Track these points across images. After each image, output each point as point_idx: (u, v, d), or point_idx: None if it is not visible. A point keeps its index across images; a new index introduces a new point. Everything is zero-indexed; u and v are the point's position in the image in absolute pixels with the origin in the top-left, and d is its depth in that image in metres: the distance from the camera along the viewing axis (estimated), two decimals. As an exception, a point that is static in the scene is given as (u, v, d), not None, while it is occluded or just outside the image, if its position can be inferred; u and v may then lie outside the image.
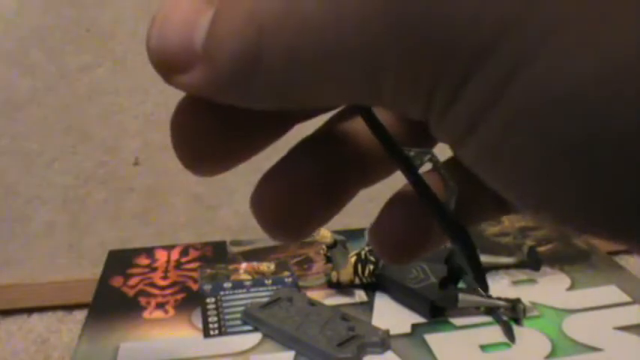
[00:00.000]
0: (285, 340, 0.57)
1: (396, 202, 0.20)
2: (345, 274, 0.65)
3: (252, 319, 0.60)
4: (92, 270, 0.90)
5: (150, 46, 0.16)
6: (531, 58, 0.12)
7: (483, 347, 0.56)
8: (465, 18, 0.12)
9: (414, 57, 0.13)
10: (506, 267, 0.69)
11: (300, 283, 0.67)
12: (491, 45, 0.12)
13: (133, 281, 0.68)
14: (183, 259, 0.73)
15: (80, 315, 0.90)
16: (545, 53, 0.12)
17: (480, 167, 0.14)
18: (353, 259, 0.65)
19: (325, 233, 0.64)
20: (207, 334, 0.59)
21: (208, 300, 0.64)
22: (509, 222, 0.80)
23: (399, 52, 0.13)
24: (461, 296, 0.59)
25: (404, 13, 0.13)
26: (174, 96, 0.17)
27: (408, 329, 0.59)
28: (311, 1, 0.14)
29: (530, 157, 0.13)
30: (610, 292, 0.63)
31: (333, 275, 0.65)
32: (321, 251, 0.67)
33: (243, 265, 0.71)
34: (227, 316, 0.61)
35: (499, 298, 0.60)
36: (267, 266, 0.71)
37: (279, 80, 0.15)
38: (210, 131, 0.17)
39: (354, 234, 0.73)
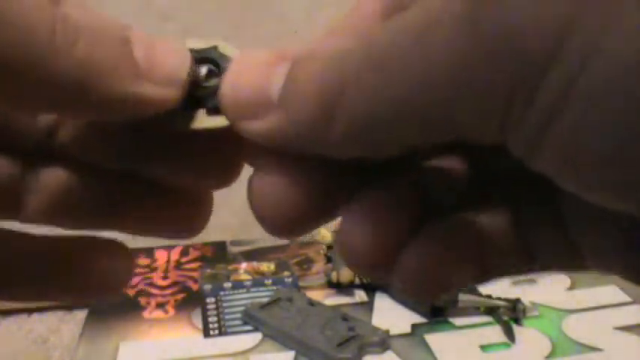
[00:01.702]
0: (285, 340, 0.57)
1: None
2: (345, 274, 0.65)
3: (252, 319, 0.60)
4: (92, 270, 0.90)
5: (224, 92, 0.17)
6: (595, 50, 0.13)
7: (483, 347, 0.56)
8: (530, 26, 0.13)
9: (490, 72, 0.14)
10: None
11: (300, 283, 0.67)
12: (557, 45, 0.13)
13: (133, 281, 0.68)
14: (184, 259, 0.73)
15: (80, 315, 0.90)
16: (606, 42, 0.13)
17: (560, 171, 0.15)
18: (353, 259, 0.65)
19: (325, 233, 0.64)
20: (207, 334, 0.59)
21: (208, 300, 0.64)
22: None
23: (477, 73, 0.14)
24: (461, 296, 0.59)
25: (480, 40, 0.14)
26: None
27: (408, 329, 0.59)
28: (393, 42, 0.15)
29: (607, 143, 0.13)
30: (610, 292, 0.63)
31: (333, 275, 0.65)
32: (321, 251, 0.67)
33: (243, 265, 0.71)
34: (227, 316, 0.61)
35: (499, 298, 0.60)
36: (267, 266, 0.71)
37: (360, 122, 0.15)
38: (288, 201, 0.18)
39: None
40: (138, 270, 0.71)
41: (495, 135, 0.15)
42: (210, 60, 0.20)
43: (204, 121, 0.19)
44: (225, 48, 0.20)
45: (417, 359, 0.55)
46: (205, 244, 0.76)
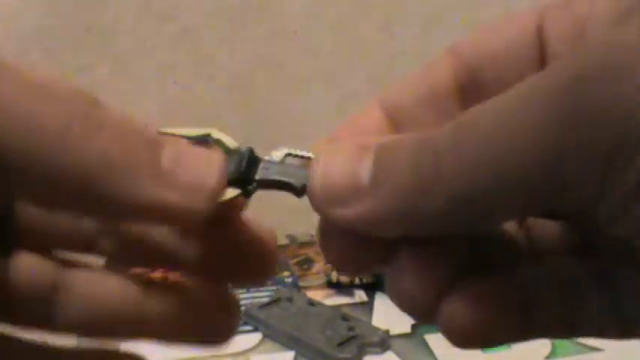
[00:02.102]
0: (285, 340, 0.57)
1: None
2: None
3: (252, 319, 0.60)
4: (92, 270, 0.90)
5: (313, 182, 0.18)
6: None
7: (483, 347, 0.56)
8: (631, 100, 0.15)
9: (592, 137, 0.15)
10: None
11: (300, 283, 0.67)
12: None
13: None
14: (183, 259, 0.73)
15: (80, 315, 0.90)
16: None
17: None
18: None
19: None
20: (207, 334, 0.59)
21: (208, 300, 0.64)
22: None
23: (579, 138, 0.15)
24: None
25: (579, 109, 0.15)
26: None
27: (408, 329, 0.59)
28: (493, 116, 0.16)
29: None
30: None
31: (333, 275, 0.65)
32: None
33: (243, 265, 0.71)
34: (227, 316, 0.61)
35: (499, 298, 0.60)
36: (267, 266, 0.71)
37: (460, 196, 0.16)
38: (356, 247, 0.19)
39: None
40: (138, 270, 0.71)
41: (591, 197, 0.16)
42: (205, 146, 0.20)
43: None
44: (219, 134, 0.21)
45: (417, 359, 0.55)
46: (205, 244, 0.76)
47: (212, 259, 0.21)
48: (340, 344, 0.54)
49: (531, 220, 0.21)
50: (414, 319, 0.20)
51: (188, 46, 0.85)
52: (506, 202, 0.17)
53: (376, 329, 0.57)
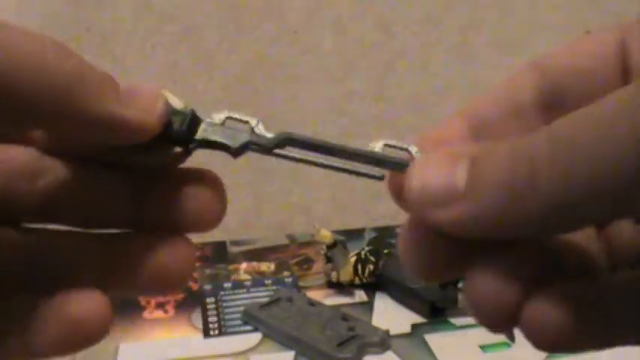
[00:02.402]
0: (285, 340, 0.57)
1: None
2: (345, 274, 0.65)
3: (252, 319, 0.60)
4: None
5: (411, 184, 0.19)
6: None
7: (483, 347, 0.56)
8: None
9: None
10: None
11: (300, 283, 0.67)
12: None
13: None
14: (183, 259, 0.73)
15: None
16: None
17: None
18: (353, 259, 0.65)
19: (325, 233, 0.64)
20: (207, 334, 0.59)
21: (208, 300, 0.64)
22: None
23: None
24: (461, 296, 0.59)
25: None
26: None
27: (408, 329, 0.59)
28: (584, 130, 0.17)
29: None
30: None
31: (333, 275, 0.65)
32: (321, 251, 0.67)
33: (243, 265, 0.71)
34: (227, 316, 0.61)
35: (499, 298, 0.60)
36: (267, 266, 0.71)
37: (553, 203, 0.17)
38: (441, 250, 0.20)
39: (354, 234, 0.73)
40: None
41: None
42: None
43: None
44: (167, 94, 0.22)
45: (417, 359, 0.55)
46: (205, 244, 0.76)
47: (163, 210, 0.22)
48: (340, 344, 0.54)
49: (612, 231, 0.22)
50: (494, 325, 0.20)
51: (188, 46, 0.85)
52: (598, 209, 0.17)
53: (376, 329, 0.57)
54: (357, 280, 0.65)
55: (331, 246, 0.65)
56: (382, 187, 0.25)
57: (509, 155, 0.18)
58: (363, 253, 0.66)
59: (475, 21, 0.88)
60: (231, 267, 0.71)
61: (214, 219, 0.23)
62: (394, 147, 0.22)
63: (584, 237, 0.21)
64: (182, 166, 0.23)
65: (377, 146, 0.22)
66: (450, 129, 0.23)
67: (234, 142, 0.22)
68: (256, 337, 0.58)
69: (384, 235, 0.74)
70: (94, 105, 0.19)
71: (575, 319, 0.19)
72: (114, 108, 0.19)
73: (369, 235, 0.76)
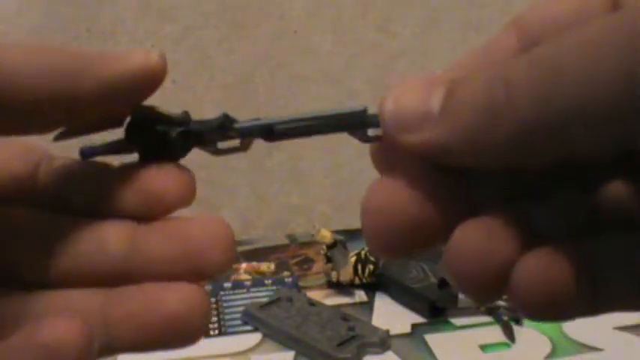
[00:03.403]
0: (285, 340, 0.57)
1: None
2: (345, 274, 0.65)
3: (252, 319, 0.60)
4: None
5: (385, 107, 0.19)
6: None
7: (483, 347, 0.56)
8: None
9: None
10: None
11: (300, 283, 0.67)
12: None
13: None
14: (183, 259, 0.73)
15: (80, 315, 0.90)
16: None
17: None
18: (353, 259, 0.65)
19: (325, 233, 0.64)
20: (207, 334, 0.59)
21: (208, 300, 0.64)
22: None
23: None
24: (461, 296, 0.59)
25: None
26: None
27: (408, 329, 0.59)
28: (565, 52, 0.16)
29: None
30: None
31: (333, 275, 0.65)
32: (321, 251, 0.67)
33: (243, 265, 0.71)
34: (227, 316, 0.61)
35: (499, 298, 0.60)
36: (267, 266, 0.71)
37: (527, 126, 0.17)
38: (408, 212, 0.19)
39: (354, 234, 0.73)
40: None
41: None
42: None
43: None
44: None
45: (417, 359, 0.55)
46: (205, 244, 0.76)
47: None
48: (340, 344, 0.54)
49: (601, 192, 0.21)
50: (480, 290, 0.19)
51: (188, 46, 0.85)
52: (577, 134, 0.17)
53: (376, 329, 0.57)
54: (357, 280, 0.65)
55: (331, 246, 0.65)
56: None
57: (486, 78, 0.18)
58: (363, 253, 0.66)
59: (475, 21, 0.88)
60: (231, 267, 0.71)
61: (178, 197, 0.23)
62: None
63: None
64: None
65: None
66: (497, 44, 0.22)
67: (222, 135, 0.22)
68: (256, 337, 0.58)
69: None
70: (100, 72, 0.20)
71: (566, 280, 0.18)
72: (116, 66, 0.20)
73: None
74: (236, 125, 0.22)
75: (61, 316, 0.19)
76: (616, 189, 0.21)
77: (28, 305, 0.21)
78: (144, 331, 0.20)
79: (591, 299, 0.19)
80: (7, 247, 0.21)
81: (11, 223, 0.22)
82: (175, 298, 0.20)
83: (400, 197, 0.19)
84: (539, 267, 0.18)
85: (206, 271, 0.21)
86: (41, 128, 0.22)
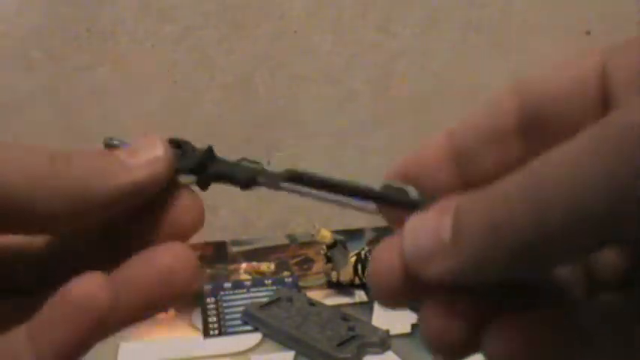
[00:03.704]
0: (285, 340, 0.57)
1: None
2: (345, 274, 0.65)
3: (252, 319, 0.60)
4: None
5: (406, 248, 0.21)
6: None
7: (483, 347, 0.56)
8: None
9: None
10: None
11: (300, 283, 0.67)
12: None
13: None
14: (183, 259, 0.73)
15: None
16: None
17: None
18: (353, 259, 0.65)
19: (325, 233, 0.64)
20: (207, 334, 0.59)
21: (208, 300, 0.64)
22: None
23: (631, 191, 0.17)
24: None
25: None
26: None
27: (408, 329, 0.59)
28: (553, 173, 0.18)
29: None
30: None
31: (333, 275, 0.65)
32: (321, 251, 0.67)
33: (243, 265, 0.71)
34: (227, 316, 0.61)
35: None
36: (267, 266, 0.71)
37: (526, 246, 0.18)
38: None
39: (354, 234, 0.73)
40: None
41: None
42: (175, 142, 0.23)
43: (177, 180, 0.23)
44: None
45: (417, 359, 0.55)
46: (205, 244, 0.76)
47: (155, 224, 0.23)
48: (340, 344, 0.54)
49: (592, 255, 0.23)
50: (449, 357, 0.21)
51: (188, 46, 0.85)
52: (573, 245, 0.18)
53: (376, 329, 0.57)
54: (357, 280, 0.65)
55: (331, 246, 0.65)
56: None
57: (487, 198, 0.19)
58: (363, 253, 0.66)
59: (475, 21, 0.88)
60: (231, 267, 0.71)
61: (194, 225, 0.24)
62: (393, 187, 0.23)
63: None
64: None
65: (377, 186, 0.23)
66: (431, 152, 0.23)
67: (243, 177, 0.24)
68: (256, 337, 0.58)
69: (383, 235, 0.74)
70: (104, 188, 0.21)
71: (533, 349, 0.20)
72: (124, 178, 0.21)
73: (369, 235, 0.76)
74: (282, 185, 0.24)
75: (82, 275, 0.20)
76: (606, 252, 0.22)
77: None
78: (144, 291, 0.22)
79: (576, 357, 0.20)
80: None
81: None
82: (167, 255, 0.22)
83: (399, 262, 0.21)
84: (500, 340, 0.20)
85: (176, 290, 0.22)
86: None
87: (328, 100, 0.88)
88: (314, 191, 0.24)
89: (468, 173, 0.23)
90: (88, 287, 0.20)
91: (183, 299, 0.23)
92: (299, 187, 0.23)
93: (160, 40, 0.84)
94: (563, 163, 0.18)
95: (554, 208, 0.18)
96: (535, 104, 0.22)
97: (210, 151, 0.24)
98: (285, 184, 0.23)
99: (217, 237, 0.77)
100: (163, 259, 0.22)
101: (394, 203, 0.23)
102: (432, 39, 0.87)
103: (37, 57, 0.85)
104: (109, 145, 0.23)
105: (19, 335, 0.20)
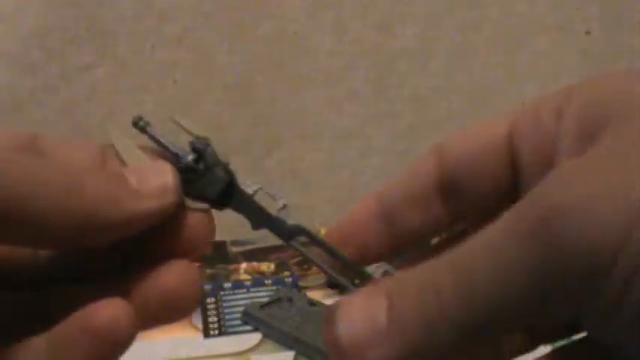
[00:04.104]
0: (285, 340, 0.57)
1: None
2: (345, 274, 0.65)
3: (252, 319, 0.60)
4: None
5: (340, 333, 0.21)
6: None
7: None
8: (592, 247, 0.18)
9: (564, 276, 0.18)
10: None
11: (300, 283, 0.67)
12: (613, 259, 0.18)
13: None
14: (183, 259, 0.73)
15: (80, 315, 0.90)
16: None
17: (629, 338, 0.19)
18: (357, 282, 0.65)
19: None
20: (207, 334, 0.59)
21: (208, 300, 0.64)
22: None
23: (556, 272, 0.18)
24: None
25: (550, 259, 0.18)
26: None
27: (408, 329, 0.59)
28: (479, 260, 0.19)
29: None
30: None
31: (333, 275, 0.65)
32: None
33: (243, 265, 0.71)
34: (227, 316, 0.61)
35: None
36: (267, 266, 0.71)
37: (459, 332, 0.19)
38: None
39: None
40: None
41: (572, 318, 0.19)
42: (197, 150, 0.23)
43: (191, 203, 0.23)
44: (215, 147, 0.24)
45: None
46: (205, 244, 0.76)
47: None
48: (340, 344, 0.54)
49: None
50: None
51: (188, 46, 0.85)
52: (506, 325, 0.20)
53: (376, 329, 0.57)
54: (357, 281, 0.65)
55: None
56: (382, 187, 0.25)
57: (418, 288, 0.20)
58: (363, 253, 0.66)
59: (475, 21, 0.88)
60: (231, 267, 0.71)
61: (201, 246, 0.25)
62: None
63: None
64: None
65: (377, 272, 0.25)
66: (362, 214, 0.25)
67: (256, 220, 0.24)
68: (256, 337, 0.58)
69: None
70: (116, 216, 0.21)
71: None
72: (134, 207, 0.21)
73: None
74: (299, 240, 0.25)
75: (107, 300, 0.21)
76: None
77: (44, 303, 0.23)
78: (149, 308, 0.23)
79: None
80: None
81: None
82: (171, 274, 0.23)
83: None
84: None
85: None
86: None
87: (328, 100, 0.88)
88: (316, 254, 0.24)
89: (396, 232, 0.24)
90: (112, 312, 0.21)
91: (188, 314, 0.23)
92: (302, 248, 0.25)
93: (160, 40, 0.84)
94: (485, 255, 0.19)
95: (481, 296, 0.19)
96: (450, 164, 0.24)
97: (230, 183, 0.24)
98: (292, 242, 0.25)
99: (217, 237, 0.77)
100: (167, 279, 0.23)
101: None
102: (432, 39, 0.87)
103: (37, 57, 0.85)
104: (137, 125, 0.23)
105: (40, 346, 0.21)
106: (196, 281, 0.23)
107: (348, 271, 0.25)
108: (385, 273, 0.24)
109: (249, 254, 0.74)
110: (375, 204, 0.25)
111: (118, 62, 0.86)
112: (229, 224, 0.97)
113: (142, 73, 0.86)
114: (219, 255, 0.74)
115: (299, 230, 0.24)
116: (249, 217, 0.24)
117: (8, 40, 0.84)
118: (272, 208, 0.24)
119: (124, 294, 0.22)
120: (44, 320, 0.22)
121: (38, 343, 0.21)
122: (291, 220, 0.24)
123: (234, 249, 0.75)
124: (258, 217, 0.24)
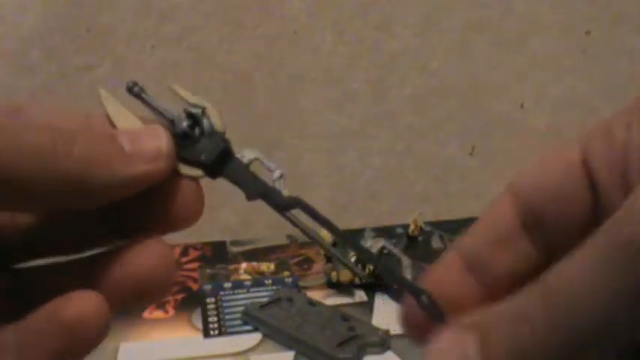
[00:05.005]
0: (285, 340, 0.57)
1: None
2: (345, 274, 0.65)
3: (252, 319, 0.60)
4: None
5: None
6: None
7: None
8: None
9: None
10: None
11: (300, 283, 0.67)
12: None
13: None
14: (183, 259, 0.73)
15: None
16: None
17: None
18: (353, 259, 0.65)
19: (325, 233, 0.64)
20: (207, 334, 0.59)
21: (208, 300, 0.64)
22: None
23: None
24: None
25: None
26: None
27: (408, 329, 0.59)
28: (570, 285, 0.19)
29: None
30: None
31: (333, 275, 0.65)
32: (321, 251, 0.67)
33: (243, 265, 0.71)
34: (227, 316, 0.61)
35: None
36: (267, 266, 0.71)
37: (556, 356, 0.20)
38: None
39: (354, 234, 0.73)
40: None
41: None
42: (192, 116, 0.23)
43: (184, 169, 0.23)
44: (213, 113, 0.24)
45: (417, 359, 0.55)
46: (205, 244, 0.76)
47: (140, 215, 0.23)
48: (340, 344, 0.54)
49: None
50: None
51: (188, 46, 0.85)
52: (601, 351, 0.20)
53: (376, 329, 0.57)
54: (357, 280, 0.65)
55: (331, 246, 0.65)
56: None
57: (509, 320, 0.20)
58: (363, 253, 0.66)
59: (475, 21, 0.88)
60: (231, 267, 0.71)
61: (194, 215, 0.24)
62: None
63: None
64: None
65: (374, 247, 0.25)
66: (447, 269, 0.25)
67: (251, 189, 0.23)
68: (256, 337, 0.58)
69: (383, 235, 0.74)
70: (105, 177, 0.21)
71: None
72: (125, 170, 0.21)
73: (369, 235, 0.75)
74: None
75: (78, 292, 0.20)
76: None
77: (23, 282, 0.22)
78: (122, 289, 0.22)
79: None
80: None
81: None
82: (145, 255, 0.22)
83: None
84: None
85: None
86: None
87: (328, 100, 0.88)
88: (310, 227, 0.24)
89: (488, 280, 0.24)
90: (82, 306, 0.20)
91: (162, 295, 0.23)
92: (297, 220, 0.24)
93: (160, 40, 0.84)
94: (579, 282, 0.19)
95: (573, 323, 0.19)
96: (528, 200, 0.23)
97: (226, 149, 0.23)
98: (288, 213, 0.24)
99: (217, 237, 0.77)
100: (141, 260, 0.22)
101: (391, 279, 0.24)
102: (432, 39, 0.87)
103: (37, 57, 0.85)
104: (132, 91, 0.23)
105: (7, 337, 0.20)
106: (170, 262, 0.23)
107: (343, 245, 0.24)
108: (382, 248, 0.24)
109: (249, 254, 0.74)
110: (459, 259, 0.25)
111: (117, 62, 0.87)
112: (229, 224, 0.97)
113: (142, 73, 0.86)
114: (219, 255, 0.74)
115: (295, 202, 0.23)
116: (243, 186, 0.23)
117: (8, 40, 0.84)
118: (268, 180, 0.24)
119: (98, 276, 0.22)
120: (17, 304, 0.21)
121: (6, 333, 0.20)
122: (287, 192, 0.23)
123: (234, 249, 0.75)
124: (253, 186, 0.23)
